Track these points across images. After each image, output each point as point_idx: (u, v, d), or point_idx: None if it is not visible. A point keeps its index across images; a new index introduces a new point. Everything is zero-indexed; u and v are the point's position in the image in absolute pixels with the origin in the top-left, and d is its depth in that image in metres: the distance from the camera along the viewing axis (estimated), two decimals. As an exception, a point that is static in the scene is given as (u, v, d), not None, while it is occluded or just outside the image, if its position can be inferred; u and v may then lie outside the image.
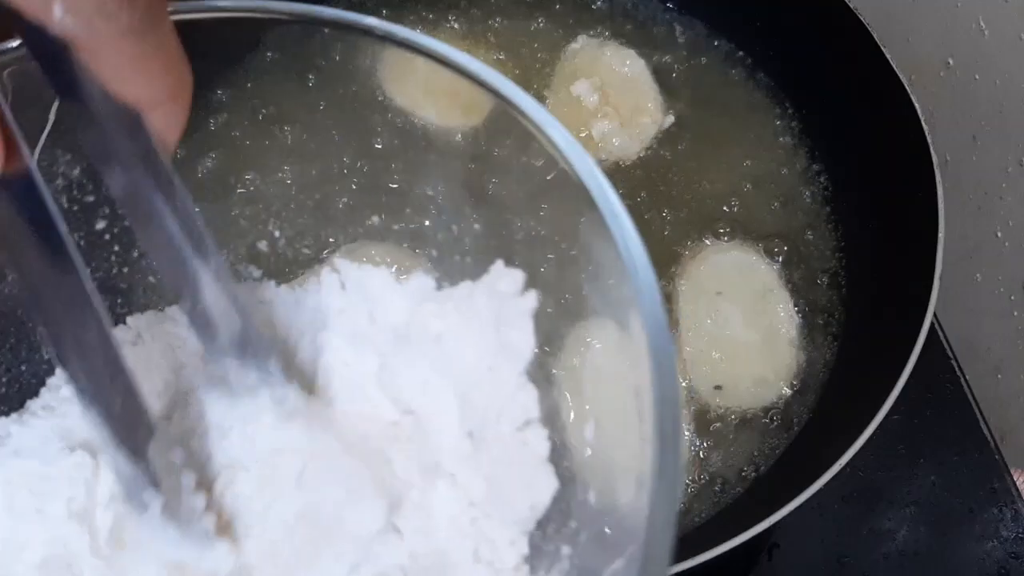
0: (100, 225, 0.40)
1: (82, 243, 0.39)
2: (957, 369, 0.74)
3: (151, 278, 0.41)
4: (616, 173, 0.71)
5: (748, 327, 0.65)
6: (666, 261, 0.67)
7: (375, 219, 0.56)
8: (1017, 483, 0.69)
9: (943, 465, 0.70)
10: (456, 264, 0.43)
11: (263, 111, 0.67)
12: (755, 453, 0.62)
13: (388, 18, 0.82)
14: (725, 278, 0.66)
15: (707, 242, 0.69)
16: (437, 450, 0.31)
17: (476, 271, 0.32)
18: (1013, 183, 0.76)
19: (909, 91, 0.65)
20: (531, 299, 0.30)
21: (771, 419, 0.63)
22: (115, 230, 0.40)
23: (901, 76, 0.66)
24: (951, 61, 0.79)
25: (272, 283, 0.34)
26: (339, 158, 0.60)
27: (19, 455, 0.31)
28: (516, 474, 0.30)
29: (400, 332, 0.32)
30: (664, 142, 0.73)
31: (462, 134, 0.67)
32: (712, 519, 0.60)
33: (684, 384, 0.63)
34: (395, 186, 0.57)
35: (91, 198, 0.39)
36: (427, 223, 0.53)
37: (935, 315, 0.61)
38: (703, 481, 0.61)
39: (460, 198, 0.51)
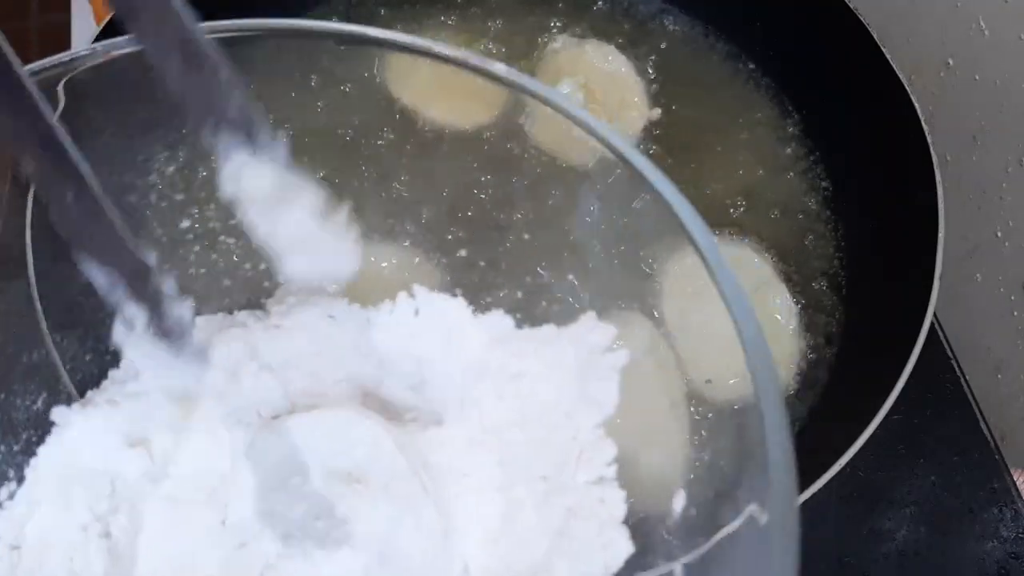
0: (184, 224, 0.40)
1: (164, 240, 0.39)
2: (957, 369, 0.73)
3: (226, 281, 0.41)
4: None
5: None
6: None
7: (378, 218, 0.56)
8: (1017, 483, 0.69)
9: (943, 465, 0.70)
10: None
11: (269, 114, 0.67)
12: (755, 453, 0.62)
13: (386, 17, 0.82)
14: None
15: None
16: (505, 487, 0.30)
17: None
18: (1013, 183, 0.76)
19: (909, 91, 0.65)
20: (622, 356, 0.30)
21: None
22: (198, 230, 0.40)
23: (901, 76, 0.66)
24: (951, 61, 0.79)
25: (344, 300, 0.34)
26: (342, 158, 0.60)
27: (78, 445, 0.30)
28: (591, 530, 0.29)
29: (473, 365, 0.31)
30: (662, 141, 0.72)
31: (471, 133, 0.66)
32: (712, 519, 0.60)
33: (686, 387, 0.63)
34: (400, 186, 0.57)
35: (180, 196, 0.39)
36: (430, 223, 0.53)
37: (935, 315, 0.61)
38: (703, 481, 0.61)
39: (466, 197, 0.51)
